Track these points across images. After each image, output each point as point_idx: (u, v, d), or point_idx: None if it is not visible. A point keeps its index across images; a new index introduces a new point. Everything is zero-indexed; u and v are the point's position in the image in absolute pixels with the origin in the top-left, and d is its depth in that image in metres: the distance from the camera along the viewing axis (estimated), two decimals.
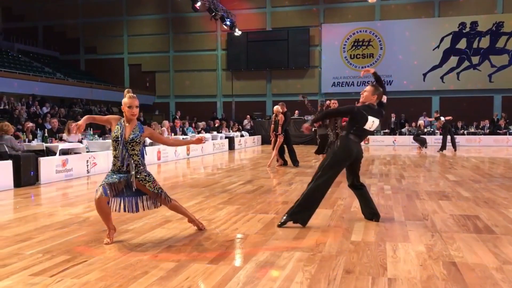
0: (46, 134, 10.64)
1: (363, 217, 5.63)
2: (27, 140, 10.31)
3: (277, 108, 11.93)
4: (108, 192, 4.44)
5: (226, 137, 20.70)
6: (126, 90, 4.66)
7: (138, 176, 4.55)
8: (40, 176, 9.28)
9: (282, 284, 3.37)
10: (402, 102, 25.36)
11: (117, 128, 4.54)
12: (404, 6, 25.94)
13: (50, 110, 19.01)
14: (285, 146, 12.21)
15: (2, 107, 17.73)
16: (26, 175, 8.92)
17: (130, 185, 4.55)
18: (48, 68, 25.28)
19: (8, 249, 4.36)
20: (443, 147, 17.80)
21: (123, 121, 4.59)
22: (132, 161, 4.53)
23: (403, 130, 24.02)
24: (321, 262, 3.85)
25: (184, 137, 16.89)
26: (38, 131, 11.26)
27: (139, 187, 4.58)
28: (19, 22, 29.96)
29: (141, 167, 4.60)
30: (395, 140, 23.27)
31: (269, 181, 9.28)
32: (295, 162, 12.08)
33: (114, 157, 4.56)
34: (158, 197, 4.65)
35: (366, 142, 23.31)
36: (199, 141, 4.94)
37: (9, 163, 8.65)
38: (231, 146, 20.50)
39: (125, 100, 4.56)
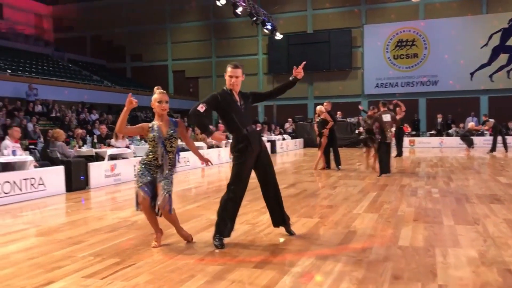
0: (95, 140, 11.01)
1: (411, 221, 5.50)
2: (77, 146, 10.70)
3: (319, 108, 11.75)
4: (148, 191, 4.47)
5: (268, 141, 20.71)
6: (156, 87, 4.70)
7: (168, 177, 4.53)
8: (90, 181, 9.61)
9: None
10: (449, 102, 24.63)
11: (151, 130, 4.56)
12: (449, 4, 25.20)
13: (98, 117, 19.65)
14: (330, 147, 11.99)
15: (54, 115, 18.49)
16: (76, 180, 9.26)
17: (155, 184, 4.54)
18: (96, 76, 26.18)
19: (62, 252, 4.53)
20: (493, 148, 17.15)
21: (156, 122, 4.60)
22: (168, 160, 4.54)
23: (450, 131, 23.27)
24: (368, 267, 3.79)
25: (227, 141, 17.03)
26: (88, 137, 11.67)
27: (158, 188, 4.53)
28: (69, 33, 31.21)
29: (173, 169, 4.60)
30: (441, 142, 22.58)
31: (313, 185, 9.22)
32: (338, 165, 11.90)
33: (152, 156, 4.55)
34: (165, 203, 4.45)
35: (412, 144, 22.76)
36: (205, 161, 4.82)
37: (61, 169, 9.00)
38: (273, 150, 20.50)
39: (155, 96, 4.59)
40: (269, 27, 24.32)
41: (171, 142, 4.56)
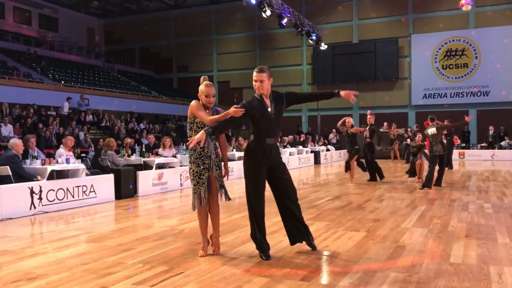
0: (143, 149, 11.31)
1: (462, 237, 5.31)
2: (126, 155, 11.01)
3: (350, 120, 11.59)
4: (208, 189, 4.63)
5: (311, 151, 20.61)
6: (203, 77, 4.72)
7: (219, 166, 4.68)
8: (138, 189, 9.86)
9: None
10: (501, 113, 23.70)
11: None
12: (502, 12, 24.35)
13: (146, 126, 20.18)
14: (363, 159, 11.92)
15: (104, 124, 19.14)
16: (125, 188, 9.53)
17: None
18: (144, 87, 26.95)
19: (113, 258, 4.67)
20: None
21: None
22: (214, 149, 4.64)
23: (502, 143, 22.36)
24: (418, 284, 3.68)
25: None
26: (136, 146, 11.99)
27: (212, 179, 4.66)
28: (118, 45, 32.33)
29: (219, 156, 4.70)
30: (493, 155, 21.71)
31: (358, 197, 9.08)
32: (373, 176, 11.80)
33: (201, 148, 4.60)
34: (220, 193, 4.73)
35: (462, 156, 22.01)
36: (225, 173, 4.83)
37: (111, 177, 9.29)
38: (317, 161, 20.36)
39: (202, 88, 4.63)
40: (314, 37, 24.29)
41: None
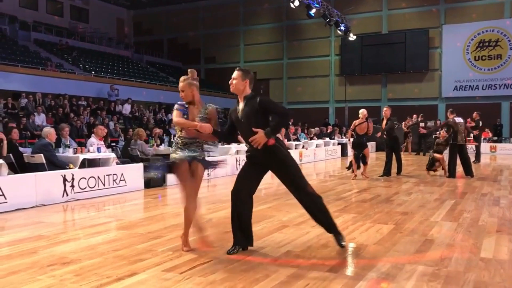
0: (172, 140, 11.46)
1: (493, 232, 5.22)
2: (155, 145, 11.18)
3: (363, 111, 10.92)
4: None
5: (338, 143, 20.48)
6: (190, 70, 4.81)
7: None
8: (166, 179, 10.00)
9: None
10: None
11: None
12: None
13: None
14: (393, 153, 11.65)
15: (133, 114, 19.44)
16: (154, 178, 9.67)
17: None
18: (172, 78, 27.19)
19: (143, 245, 4.78)
20: None
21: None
22: None
23: None
24: (447, 279, 3.65)
25: (297, 143, 17.06)
26: (165, 136, 12.16)
27: None
28: (147, 36, 32.67)
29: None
30: None
31: (387, 190, 9.00)
32: (399, 171, 11.61)
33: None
34: None
35: (493, 150, 21.49)
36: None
37: (140, 166, 9.46)
38: (344, 153, 20.21)
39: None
40: (342, 28, 24.00)
41: None
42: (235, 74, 4.49)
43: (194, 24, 31.47)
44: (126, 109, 18.94)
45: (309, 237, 5.07)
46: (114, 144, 12.73)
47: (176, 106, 4.57)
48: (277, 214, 6.51)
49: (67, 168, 8.15)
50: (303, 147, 17.18)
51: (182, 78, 4.63)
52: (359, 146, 10.88)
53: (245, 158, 4.59)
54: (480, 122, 15.67)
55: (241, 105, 4.43)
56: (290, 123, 21.39)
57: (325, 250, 4.55)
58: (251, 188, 4.52)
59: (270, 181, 11.44)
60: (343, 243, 4.47)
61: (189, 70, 4.75)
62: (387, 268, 3.93)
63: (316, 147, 18.17)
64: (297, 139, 17.81)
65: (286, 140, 16.62)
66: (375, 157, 19.20)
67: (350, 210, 6.75)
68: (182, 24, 31.45)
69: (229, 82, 4.50)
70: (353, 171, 11.18)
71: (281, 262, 4.12)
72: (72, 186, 7.95)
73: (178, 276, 3.77)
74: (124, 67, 25.28)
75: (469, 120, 15.63)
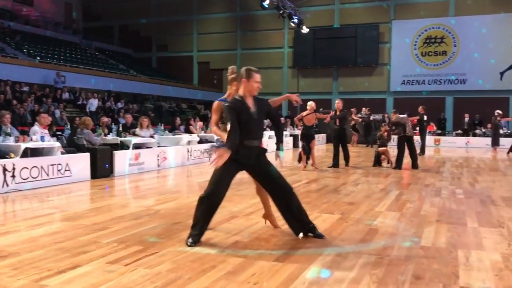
0: (120, 129, 11.18)
1: (434, 221, 5.45)
2: (103, 134, 10.87)
3: (310, 104, 10.88)
4: None
5: (290, 135, 20.69)
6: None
7: None
8: (114, 169, 9.77)
9: (348, 286, 3.34)
10: (477, 102, 24.15)
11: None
12: (482, 1, 24.63)
13: (124, 106, 19.92)
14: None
15: (80, 102, 18.82)
16: (101, 167, 9.43)
17: None
18: (122, 65, 26.53)
19: (88, 237, 4.64)
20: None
21: None
22: None
23: (477, 131, 22.84)
24: (389, 267, 3.77)
25: None
26: (113, 125, 11.85)
27: None
28: (97, 22, 31.64)
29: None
30: (468, 142, 22.17)
31: (335, 181, 9.19)
32: (347, 162, 11.85)
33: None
34: None
35: (437, 143, 22.41)
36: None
37: (86, 156, 9.18)
38: (296, 144, 20.45)
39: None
40: (295, 20, 24.16)
41: None
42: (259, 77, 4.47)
43: (146, 11, 30.76)
44: (93, 104, 18.17)
45: (257, 227, 5.10)
46: (59, 133, 12.27)
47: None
48: (227, 205, 6.48)
49: (7, 158, 7.78)
50: None
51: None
52: (307, 138, 11.06)
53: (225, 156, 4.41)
54: (425, 116, 16.25)
55: (250, 103, 4.41)
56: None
57: (272, 240, 4.59)
58: (226, 192, 4.53)
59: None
60: (319, 233, 4.63)
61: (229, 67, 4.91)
62: (332, 256, 4.02)
63: (269, 138, 18.26)
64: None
65: None
66: (325, 149, 19.58)
67: None
68: (134, 10, 30.67)
69: (257, 87, 4.44)
70: (302, 162, 11.35)
71: (229, 253, 4.12)
72: (13, 176, 7.60)
73: (122, 268, 3.69)
74: (72, 53, 24.39)
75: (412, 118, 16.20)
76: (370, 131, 21.07)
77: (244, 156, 4.41)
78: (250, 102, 4.43)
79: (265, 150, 4.57)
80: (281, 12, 22.41)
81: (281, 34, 28.34)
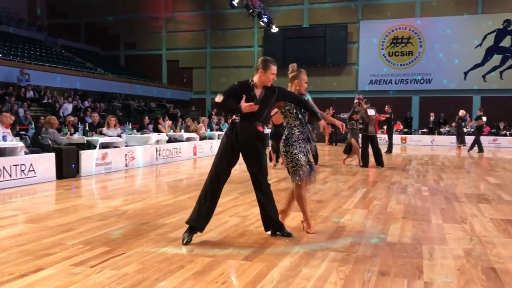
0: (87, 128, 10.97)
1: (399, 218, 5.56)
2: (69, 133, 10.64)
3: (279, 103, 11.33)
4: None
5: None
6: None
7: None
8: (80, 169, 9.58)
9: (316, 283, 3.37)
10: (442, 101, 24.76)
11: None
12: (446, 3, 25.28)
13: (90, 105, 19.54)
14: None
15: (45, 101, 18.35)
16: (67, 168, 9.23)
17: None
18: (90, 64, 25.99)
19: (52, 239, 4.53)
20: (472, 147, 17.54)
21: None
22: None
23: (441, 129, 23.45)
24: (356, 263, 3.83)
25: (220, 133, 17.04)
26: (79, 125, 11.61)
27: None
28: (62, 19, 30.89)
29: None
30: (433, 140, 22.74)
31: None
32: (316, 161, 12.02)
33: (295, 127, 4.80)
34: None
35: (404, 141, 22.89)
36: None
37: (52, 156, 8.96)
38: (265, 143, 20.49)
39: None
40: (265, 19, 24.23)
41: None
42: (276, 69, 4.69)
43: (114, 8, 30.24)
44: (67, 109, 17.72)
45: (226, 226, 5.09)
46: (23, 132, 11.95)
47: None
48: None
49: None
50: None
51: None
52: (276, 136, 11.11)
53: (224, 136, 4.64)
54: (392, 114, 16.57)
55: (258, 92, 4.58)
56: (213, 113, 21.35)
57: (241, 239, 4.59)
58: (227, 178, 4.59)
59: (192, 171, 11.36)
60: (288, 233, 4.64)
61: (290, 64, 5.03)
62: (300, 254, 4.05)
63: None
64: (220, 129, 17.79)
65: (208, 130, 16.58)
66: None
67: None
68: (101, 7, 30.09)
69: (273, 78, 4.70)
70: (272, 161, 11.41)
71: (198, 252, 4.10)
72: None
73: (88, 270, 3.62)
74: (36, 50, 23.74)
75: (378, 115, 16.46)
76: (336, 129, 21.32)
77: (242, 136, 4.45)
78: (258, 92, 4.57)
79: (262, 133, 4.59)
80: (250, 11, 22.45)
81: (251, 33, 28.36)
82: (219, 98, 4.38)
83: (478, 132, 17.64)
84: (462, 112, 18.45)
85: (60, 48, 27.01)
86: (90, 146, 10.35)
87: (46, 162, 8.79)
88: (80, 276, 3.49)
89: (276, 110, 4.88)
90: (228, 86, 4.57)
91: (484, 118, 18.01)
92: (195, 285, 3.32)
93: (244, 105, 4.36)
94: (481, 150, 17.14)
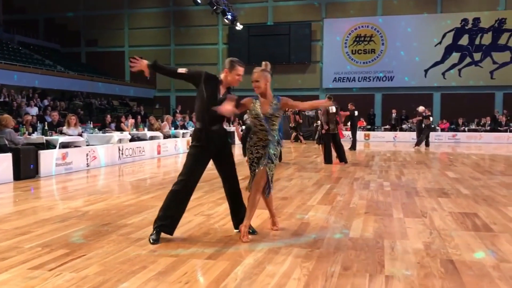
0: (46, 127, 10.64)
1: (362, 213, 5.64)
2: (27, 133, 10.30)
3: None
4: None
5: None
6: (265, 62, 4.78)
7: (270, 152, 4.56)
8: (39, 169, 9.29)
9: (280, 280, 3.38)
10: (403, 98, 25.36)
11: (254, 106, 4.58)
12: (406, 2, 25.88)
13: (50, 103, 18.99)
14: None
15: (2, 100, 17.72)
16: (25, 168, 8.93)
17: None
18: (49, 61, 25.26)
19: (8, 243, 4.37)
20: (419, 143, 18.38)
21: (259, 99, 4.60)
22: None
23: (403, 126, 24.01)
24: (319, 259, 3.86)
25: (185, 131, 16.89)
26: (38, 124, 11.26)
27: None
28: (20, 14, 29.88)
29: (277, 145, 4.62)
30: (395, 136, 23.26)
31: None
32: (280, 158, 12.12)
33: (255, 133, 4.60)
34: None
35: (367, 138, 23.31)
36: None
37: (8, 156, 8.65)
38: (232, 141, 20.48)
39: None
40: (229, 17, 24.16)
41: (272, 120, 4.56)
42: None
43: (74, 4, 29.49)
44: (31, 113, 17.04)
45: (190, 225, 5.04)
46: None
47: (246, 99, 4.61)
48: (160, 204, 6.34)
49: None
50: (190, 135, 17.06)
51: (257, 69, 4.61)
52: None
53: (193, 143, 4.56)
54: (356, 112, 16.83)
55: (222, 91, 4.56)
56: (178, 111, 21.14)
57: (205, 238, 4.55)
58: (198, 182, 4.56)
59: (156, 171, 11.20)
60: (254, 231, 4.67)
61: (263, 62, 4.74)
62: (264, 252, 4.05)
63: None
64: (185, 127, 17.64)
65: (172, 128, 16.41)
66: None
67: None
68: (61, 3, 29.28)
69: (238, 79, 4.61)
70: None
71: (160, 253, 4.04)
72: None
73: (46, 273, 3.50)
74: None
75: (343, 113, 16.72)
76: (299, 127, 21.52)
77: (211, 140, 4.43)
78: (223, 90, 4.54)
79: (227, 132, 4.64)
80: (214, 8, 22.32)
81: (215, 30, 28.23)
82: (182, 70, 4.49)
83: (428, 129, 18.40)
84: (421, 108, 18.92)
85: (18, 44, 26.12)
86: (49, 146, 10.04)
87: (2, 163, 8.48)
88: (38, 280, 3.38)
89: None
90: (197, 71, 4.58)
91: (431, 118, 18.93)
92: (158, 286, 3.26)
93: (226, 108, 4.30)
94: (427, 144, 18.40)
